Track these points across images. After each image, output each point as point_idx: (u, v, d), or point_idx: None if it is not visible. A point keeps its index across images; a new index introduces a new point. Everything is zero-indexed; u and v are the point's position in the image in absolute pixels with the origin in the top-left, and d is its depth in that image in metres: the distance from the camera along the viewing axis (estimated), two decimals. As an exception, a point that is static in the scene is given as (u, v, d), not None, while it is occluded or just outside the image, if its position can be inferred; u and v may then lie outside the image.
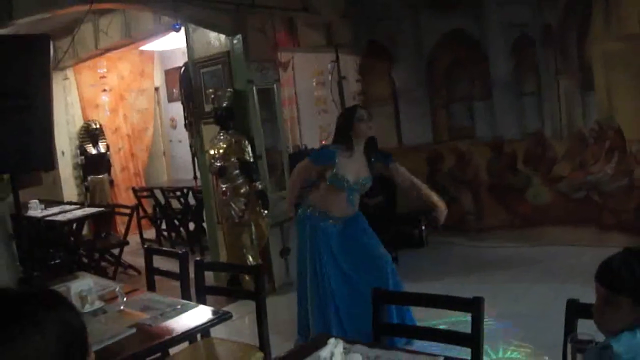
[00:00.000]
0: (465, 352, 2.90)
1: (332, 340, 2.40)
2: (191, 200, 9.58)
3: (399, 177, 5.24)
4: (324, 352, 2.35)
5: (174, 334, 3.24)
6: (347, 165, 5.02)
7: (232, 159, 6.84)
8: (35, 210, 8.19)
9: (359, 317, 4.88)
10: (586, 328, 2.36)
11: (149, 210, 10.36)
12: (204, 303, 3.95)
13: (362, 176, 5.08)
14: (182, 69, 8.04)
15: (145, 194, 10.21)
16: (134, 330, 3.23)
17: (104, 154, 10.66)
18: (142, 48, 10.11)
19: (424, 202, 5.14)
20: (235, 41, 7.06)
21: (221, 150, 6.87)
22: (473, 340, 2.86)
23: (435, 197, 5.04)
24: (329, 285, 5.08)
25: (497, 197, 8.30)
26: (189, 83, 7.72)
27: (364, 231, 5.22)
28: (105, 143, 10.71)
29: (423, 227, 8.25)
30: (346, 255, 5.14)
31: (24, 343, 1.29)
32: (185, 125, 9.06)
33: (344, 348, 2.41)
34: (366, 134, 5.08)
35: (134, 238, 8.98)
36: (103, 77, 10.94)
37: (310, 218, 5.17)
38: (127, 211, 8.38)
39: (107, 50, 9.26)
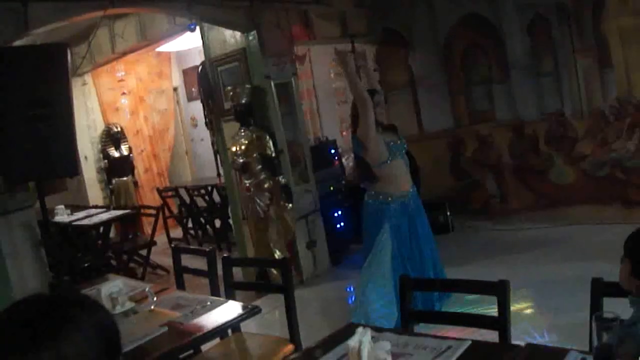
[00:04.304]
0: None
1: (359, 329, 2.41)
2: (216, 198, 9.61)
3: None
4: (353, 341, 2.37)
5: (205, 331, 3.28)
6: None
7: (254, 155, 6.88)
8: (62, 215, 8.26)
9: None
10: (612, 306, 2.37)
11: (175, 209, 10.43)
12: (233, 299, 3.99)
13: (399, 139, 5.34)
14: (200, 68, 8.05)
15: (170, 193, 10.25)
16: (165, 328, 3.28)
17: (127, 156, 10.73)
18: (159, 49, 10.13)
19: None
20: (250, 37, 7.09)
21: (243, 147, 6.91)
22: (500, 323, 2.87)
23: None
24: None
25: (520, 179, 8.27)
26: (207, 81, 7.73)
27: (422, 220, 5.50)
28: (127, 145, 10.79)
29: (448, 213, 8.26)
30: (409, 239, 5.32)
31: (69, 345, 1.33)
32: (206, 123, 9.09)
33: (372, 337, 2.43)
34: (378, 119, 5.21)
35: (161, 238, 9.03)
36: (121, 80, 11.03)
37: (381, 206, 5.27)
38: (153, 212, 8.43)
39: (124, 53, 9.31)
